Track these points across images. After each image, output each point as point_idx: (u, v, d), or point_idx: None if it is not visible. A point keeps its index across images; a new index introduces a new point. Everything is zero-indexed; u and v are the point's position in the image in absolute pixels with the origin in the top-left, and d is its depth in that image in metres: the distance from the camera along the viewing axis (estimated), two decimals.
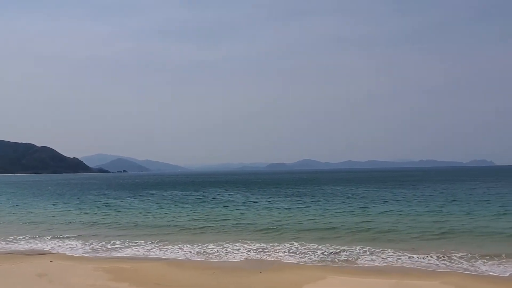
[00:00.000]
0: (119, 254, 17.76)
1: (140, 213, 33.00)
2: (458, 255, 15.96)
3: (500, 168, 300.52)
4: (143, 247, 19.00)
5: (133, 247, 19.04)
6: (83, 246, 19.73)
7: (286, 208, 34.23)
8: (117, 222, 27.60)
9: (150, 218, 29.69)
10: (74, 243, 20.44)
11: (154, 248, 18.86)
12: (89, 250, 18.79)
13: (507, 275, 13.40)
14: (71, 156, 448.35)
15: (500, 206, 31.07)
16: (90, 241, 20.66)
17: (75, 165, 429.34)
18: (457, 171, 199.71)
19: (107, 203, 42.76)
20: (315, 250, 17.57)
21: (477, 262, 14.94)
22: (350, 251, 17.16)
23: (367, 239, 19.70)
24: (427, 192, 49.00)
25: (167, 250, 18.32)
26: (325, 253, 17.09)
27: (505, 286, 12.18)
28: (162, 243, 19.76)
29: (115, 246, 19.53)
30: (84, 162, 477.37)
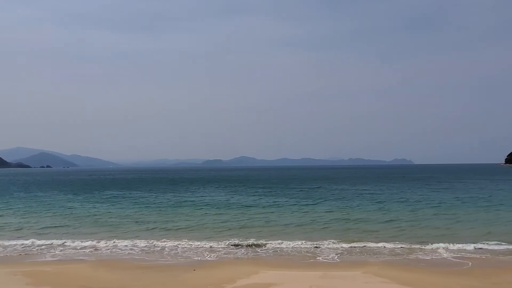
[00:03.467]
0: (43, 257, 16.53)
1: (69, 212, 30.83)
2: (381, 246, 17.50)
3: (418, 166, 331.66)
4: (70, 248, 17.90)
5: (59, 248, 17.86)
6: (0, 249, 17.99)
7: (224, 205, 34.29)
8: (42, 222, 25.58)
9: (80, 217, 27.96)
10: None
11: (82, 248, 17.86)
12: (7, 254, 17.18)
13: (422, 264, 14.99)
14: None
15: (436, 206, 32.69)
16: (9, 244, 18.89)
17: None
18: (388, 170, 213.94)
19: (29, 201, 39.44)
20: (251, 246, 17.99)
21: (398, 252, 16.62)
22: (285, 246, 17.83)
23: (304, 234, 20.54)
24: (367, 190, 50.90)
25: (97, 251, 17.48)
26: (261, 248, 17.61)
27: (416, 272, 13.55)
28: (91, 244, 18.70)
29: (39, 247, 18.13)
30: (0, 156, 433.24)
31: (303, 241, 18.65)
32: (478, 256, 16.02)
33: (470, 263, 14.89)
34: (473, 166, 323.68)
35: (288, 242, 18.49)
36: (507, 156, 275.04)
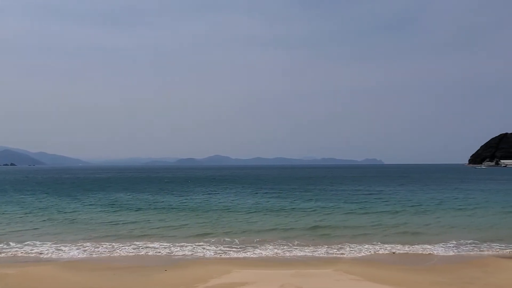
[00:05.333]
0: (6, 259, 15.82)
1: (38, 213, 29.44)
2: (352, 245, 17.89)
3: (389, 166, 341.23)
4: (35, 249, 17.23)
5: (25, 250, 17.14)
6: None
7: (201, 206, 33.80)
8: (9, 224, 24.34)
9: (49, 218, 26.86)
10: None
11: (48, 249, 17.22)
12: None
13: (391, 261, 15.50)
14: None
15: (414, 205, 33.16)
16: None
17: None
18: (362, 169, 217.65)
19: None
20: (222, 245, 17.94)
21: (363, 250, 17.13)
22: (259, 245, 17.88)
23: (279, 234, 20.63)
24: (345, 191, 50.56)
25: (64, 252, 16.86)
26: (234, 248, 17.55)
27: (385, 269, 13.94)
28: (57, 244, 18.11)
29: (2, 249, 17.28)
30: None
31: (277, 241, 18.78)
32: (445, 253, 16.70)
33: (437, 260, 15.50)
34: (440, 166, 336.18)
35: (263, 242, 18.54)
36: (470, 156, 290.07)
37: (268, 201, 37.52)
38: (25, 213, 29.08)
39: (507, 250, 17.20)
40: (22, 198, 41.79)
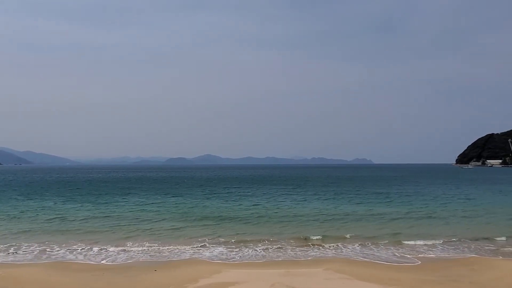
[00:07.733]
0: None
1: (22, 215, 28.77)
2: (344, 245, 18.02)
3: (379, 166, 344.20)
4: (21, 250, 16.94)
5: (9, 251, 16.83)
6: None
7: (194, 208, 33.35)
8: None
9: (33, 218, 26.44)
10: None
11: (35, 251, 16.94)
12: None
13: (381, 260, 15.65)
14: None
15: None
16: None
17: None
18: (356, 170, 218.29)
19: None
20: (212, 246, 17.89)
21: (355, 249, 17.31)
22: (250, 244, 17.93)
23: (269, 234, 20.60)
24: (343, 192, 49.82)
25: (50, 254, 16.60)
26: (222, 247, 17.51)
27: (374, 268, 14.08)
28: (45, 246, 17.83)
29: None
30: None
31: (269, 241, 18.78)
32: (435, 252, 16.93)
33: (427, 259, 15.68)
34: (428, 166, 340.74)
35: (255, 243, 18.50)
36: (457, 156, 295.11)
37: (261, 202, 37.37)
38: (13, 214, 28.49)
39: (496, 249, 17.57)
40: (10, 199, 41.00)
